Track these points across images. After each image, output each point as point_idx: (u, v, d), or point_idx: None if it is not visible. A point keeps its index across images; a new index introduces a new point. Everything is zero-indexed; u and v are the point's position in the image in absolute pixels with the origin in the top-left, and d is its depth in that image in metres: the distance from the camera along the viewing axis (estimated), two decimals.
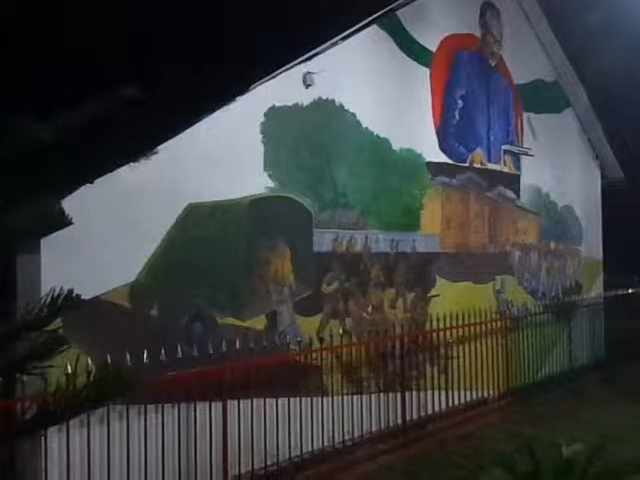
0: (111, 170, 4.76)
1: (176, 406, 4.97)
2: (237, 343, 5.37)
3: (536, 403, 8.14)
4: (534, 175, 9.52)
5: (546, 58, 9.94)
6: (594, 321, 10.56)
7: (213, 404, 5.14)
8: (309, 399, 5.99)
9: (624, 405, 7.98)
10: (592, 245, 10.96)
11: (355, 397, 6.55)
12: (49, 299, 2.38)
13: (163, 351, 4.88)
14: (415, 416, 7.08)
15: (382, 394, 6.89)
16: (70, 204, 3.77)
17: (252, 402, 5.43)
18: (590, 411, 7.78)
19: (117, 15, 5.95)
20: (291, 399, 5.77)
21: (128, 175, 4.90)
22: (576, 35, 10.40)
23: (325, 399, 6.16)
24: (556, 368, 9.48)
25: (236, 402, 5.31)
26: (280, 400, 5.65)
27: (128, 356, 4.61)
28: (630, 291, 11.02)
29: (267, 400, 5.54)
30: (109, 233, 4.81)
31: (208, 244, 5.45)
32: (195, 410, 5.06)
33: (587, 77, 10.38)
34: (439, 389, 7.38)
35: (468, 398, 7.76)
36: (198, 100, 5.41)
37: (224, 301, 5.56)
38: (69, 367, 3.27)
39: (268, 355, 5.52)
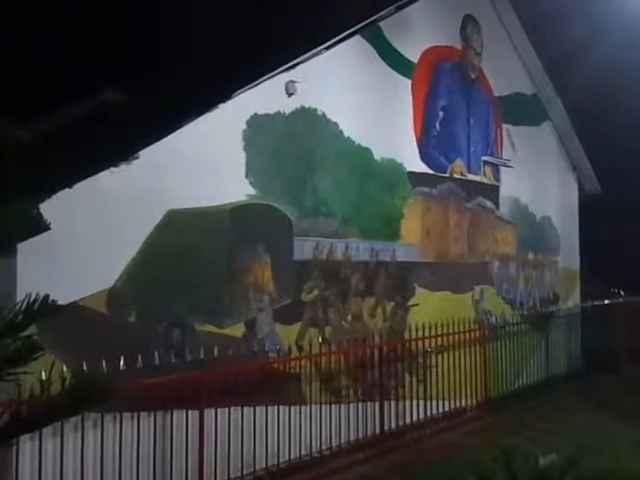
0: (91, 175, 4.72)
1: (152, 414, 4.91)
2: (215, 351, 5.33)
3: (513, 413, 8.19)
4: (513, 186, 9.64)
5: (525, 71, 10.10)
6: (571, 331, 10.69)
7: (190, 412, 5.10)
8: (287, 408, 5.97)
9: (600, 416, 8.07)
10: (569, 256, 11.11)
11: (334, 406, 6.54)
12: (25, 305, 2.34)
13: (140, 358, 4.83)
14: (394, 425, 7.09)
15: (361, 403, 6.88)
16: (48, 208, 3.73)
17: (230, 410, 5.39)
18: (566, 421, 7.85)
19: (100, 19, 5.92)
20: (269, 407, 5.74)
21: (108, 180, 4.86)
22: (554, 49, 10.58)
23: (303, 408, 6.13)
24: (533, 378, 9.57)
25: (213, 410, 5.27)
26: (258, 408, 5.62)
27: (104, 363, 4.55)
28: (606, 302, 11.18)
29: (245, 408, 5.50)
30: (87, 238, 4.76)
31: (188, 250, 5.41)
32: (172, 418, 5.00)
33: (565, 91, 10.55)
34: (418, 398, 7.40)
35: (446, 407, 7.78)
36: (180, 106, 5.39)
37: (203, 308, 5.53)
38: (44, 373, 3.22)
39: (246, 363, 5.49)
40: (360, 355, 6.84)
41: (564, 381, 9.91)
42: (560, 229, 10.83)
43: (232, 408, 5.41)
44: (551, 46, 10.44)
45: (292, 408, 6.01)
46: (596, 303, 11.09)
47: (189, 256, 5.42)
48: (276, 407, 5.79)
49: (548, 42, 10.36)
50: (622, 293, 11.49)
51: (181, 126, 5.35)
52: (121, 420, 4.71)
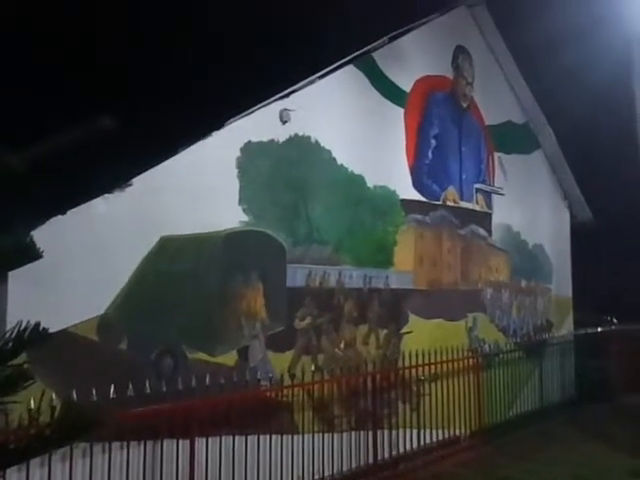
0: (84, 201, 4.72)
1: (142, 443, 4.84)
2: (207, 379, 5.28)
3: (508, 442, 8.13)
4: (505, 214, 9.71)
5: (516, 101, 10.25)
6: (564, 359, 10.66)
7: (181, 441, 5.02)
8: (279, 437, 5.89)
9: (594, 445, 8.02)
10: (562, 283, 11.14)
11: (326, 435, 6.46)
12: (15, 332, 2.32)
13: (131, 386, 4.77)
14: (387, 455, 7.00)
15: (354, 432, 6.81)
16: (40, 234, 3.72)
17: (221, 439, 5.31)
18: (560, 451, 7.80)
19: (94, 45, 5.99)
20: (261, 437, 5.66)
21: (100, 206, 4.87)
22: (545, 79, 10.76)
23: (296, 437, 6.05)
24: (527, 406, 9.51)
25: (205, 439, 5.19)
26: (250, 438, 5.54)
27: (94, 391, 4.49)
28: (599, 329, 11.18)
29: (236, 437, 5.42)
30: (79, 264, 4.74)
31: (180, 277, 5.40)
32: (162, 448, 4.93)
33: (556, 120, 10.70)
34: (411, 427, 7.32)
35: (440, 436, 7.71)
36: (174, 133, 5.43)
37: (195, 336, 5.48)
38: (33, 403, 3.18)
39: (238, 392, 5.43)
40: (353, 383, 6.79)
41: (558, 410, 9.86)
42: (552, 256, 10.88)
43: (224, 437, 5.34)
44: (541, 76, 10.63)
45: (284, 437, 5.93)
46: (589, 331, 11.09)
47: (182, 283, 5.40)
48: (268, 436, 5.72)
49: (538, 72, 10.56)
50: (615, 321, 11.50)
51: (175, 153, 5.39)
52: (110, 449, 4.63)
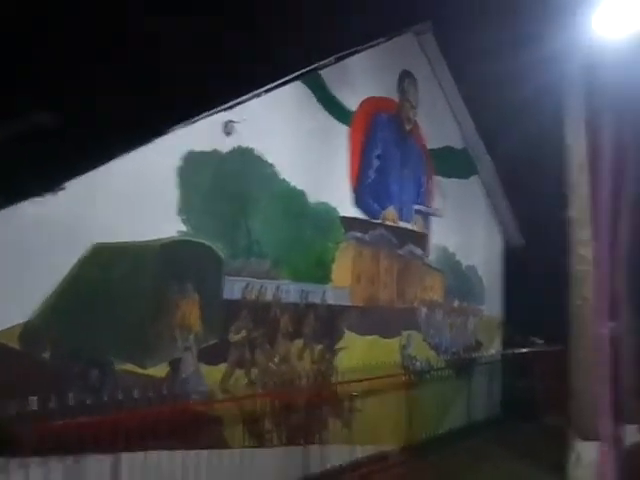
0: (12, 204, 4.54)
1: (63, 459, 4.65)
2: (135, 391, 5.14)
3: (436, 458, 8.28)
4: (442, 235, 9.96)
5: (457, 127, 10.58)
6: (491, 378, 10.98)
7: (105, 457, 4.86)
8: (209, 451, 5.80)
9: (517, 463, 8.27)
10: (492, 304, 11.50)
11: (257, 450, 6.40)
12: None
13: (53, 398, 4.59)
14: (317, 470, 7.00)
15: (285, 447, 6.78)
16: None
17: (148, 454, 5.17)
18: (487, 468, 8.00)
19: (30, 40, 5.80)
20: (190, 451, 5.55)
21: (29, 210, 4.69)
22: (485, 108, 11.13)
23: (226, 451, 5.97)
24: (455, 423, 9.73)
25: (131, 454, 5.04)
26: (179, 452, 5.42)
27: (13, 403, 4.29)
28: (525, 350, 11.60)
29: (164, 452, 5.30)
30: (2, 269, 4.54)
31: (112, 286, 5.25)
32: (85, 463, 4.75)
33: (494, 148, 11.09)
34: (342, 442, 7.36)
35: (370, 452, 7.77)
36: (113, 137, 5.31)
37: (125, 347, 5.34)
38: None
39: (167, 405, 5.31)
40: (286, 398, 6.76)
41: (485, 428, 10.13)
42: (484, 278, 11.22)
43: (151, 452, 5.20)
44: (482, 105, 10.99)
45: (214, 452, 5.84)
46: (516, 351, 11.48)
47: (114, 292, 5.26)
48: (198, 451, 5.61)
49: (480, 101, 10.91)
50: (540, 342, 11.95)
51: (113, 158, 5.26)
52: (29, 466, 4.42)
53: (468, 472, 7.81)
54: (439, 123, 10.13)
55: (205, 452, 5.75)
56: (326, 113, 7.70)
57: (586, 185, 7.69)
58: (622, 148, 8.21)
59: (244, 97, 6.41)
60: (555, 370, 11.20)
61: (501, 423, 10.52)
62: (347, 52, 7.85)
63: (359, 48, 8.12)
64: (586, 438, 7.26)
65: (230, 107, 6.28)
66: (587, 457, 7.21)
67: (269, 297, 6.81)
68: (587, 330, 7.55)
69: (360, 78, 8.30)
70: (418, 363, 8.99)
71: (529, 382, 11.18)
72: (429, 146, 9.81)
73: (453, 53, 10.17)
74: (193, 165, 5.99)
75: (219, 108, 6.15)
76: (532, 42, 7.85)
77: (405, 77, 9.34)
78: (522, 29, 8.27)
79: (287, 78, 6.96)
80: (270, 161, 6.85)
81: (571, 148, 7.80)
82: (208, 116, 6.07)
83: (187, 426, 5.45)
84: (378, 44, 8.54)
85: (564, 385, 7.75)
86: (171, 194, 5.83)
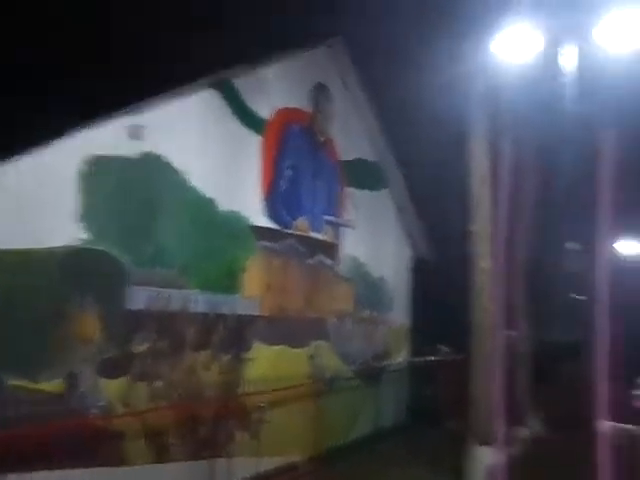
0: None
1: None
2: (27, 408, 4.85)
3: (344, 466, 8.37)
4: (353, 246, 10.12)
5: (369, 140, 10.81)
6: (399, 386, 11.26)
7: None
8: (108, 469, 5.56)
9: (421, 468, 8.52)
10: (401, 314, 11.80)
11: (160, 465, 6.21)
12: None
13: None
14: None
15: (190, 461, 6.63)
16: None
17: (39, 475, 4.89)
18: (391, 474, 8.17)
19: None
20: (86, 470, 5.30)
21: None
22: (397, 123, 11.44)
23: (126, 469, 5.75)
24: (363, 431, 9.89)
25: (19, 476, 4.75)
26: (74, 471, 5.17)
27: None
28: (431, 358, 12.00)
29: (57, 472, 5.03)
30: None
31: (5, 296, 4.95)
32: None
33: (406, 162, 11.42)
34: (250, 455, 7.29)
35: (279, 463, 7.74)
36: (9, 137, 5.02)
37: (17, 361, 5.03)
38: None
39: (61, 421, 5.05)
40: (191, 411, 6.62)
41: (391, 434, 10.37)
42: (393, 289, 11.50)
43: (43, 472, 4.92)
44: (393, 119, 11.29)
45: (113, 470, 5.61)
46: (423, 359, 11.85)
47: (6, 302, 4.95)
48: (95, 469, 5.37)
49: (391, 115, 11.20)
50: (446, 350, 12.40)
51: (8, 159, 4.97)
52: None
53: (374, 478, 7.95)
54: (352, 135, 10.32)
55: (104, 470, 5.51)
56: (239, 122, 7.65)
57: (487, 201, 8.09)
58: (521, 167, 8.73)
59: (151, 101, 6.25)
60: (458, 377, 11.63)
61: (408, 429, 10.80)
62: (260, 62, 7.85)
63: (274, 58, 8.15)
64: (483, 442, 7.60)
65: (137, 111, 6.10)
66: (483, 460, 7.54)
67: (176, 307, 6.65)
68: (487, 339, 7.92)
69: (274, 88, 8.32)
70: (327, 373, 9.06)
71: (435, 389, 11.56)
72: (342, 158, 9.97)
73: (367, 68, 10.42)
74: (97, 169, 5.77)
75: (123, 111, 5.96)
76: (441, 62, 8.19)
77: (319, 89, 9.45)
78: (433, 49, 8.59)
79: (197, 84, 6.87)
80: (180, 168, 6.72)
81: (473, 165, 8.20)
82: (113, 119, 5.87)
83: (83, 443, 5.21)
84: (292, 56, 8.61)
85: (466, 392, 8.09)
86: (72, 199, 5.58)
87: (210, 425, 6.81)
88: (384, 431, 10.37)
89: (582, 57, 6.63)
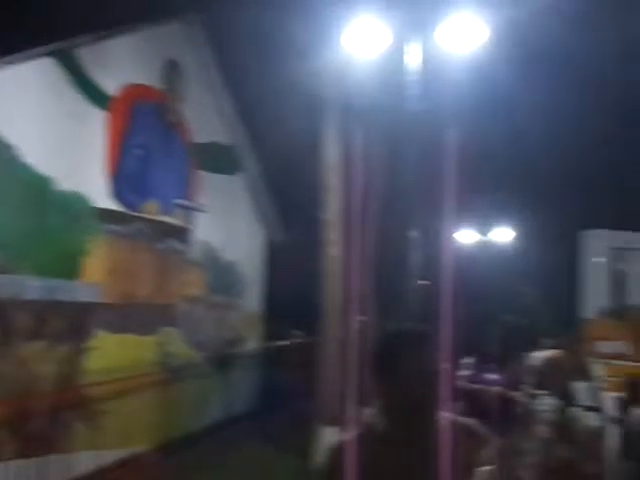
0: None
1: None
2: None
3: (193, 454, 8.22)
4: (204, 230, 9.91)
5: (224, 123, 10.62)
6: (252, 372, 11.30)
7: None
8: None
9: (270, 452, 8.61)
10: (254, 299, 11.82)
11: None
12: None
13: None
14: None
15: (23, 460, 6.15)
16: None
17: None
18: (242, 461, 8.14)
19: None
20: None
21: None
22: (254, 107, 11.36)
23: None
24: (214, 418, 9.80)
25: None
26: None
27: None
28: (284, 343, 12.17)
29: None
30: None
31: None
32: None
33: (261, 146, 11.39)
34: (90, 448, 6.92)
35: (122, 456, 7.44)
36: None
37: None
38: None
39: None
40: (21, 406, 6.12)
41: (243, 420, 10.37)
42: (247, 274, 11.47)
43: None
44: (250, 104, 11.20)
45: None
46: (276, 344, 11.99)
47: None
48: None
49: (248, 100, 11.10)
50: (300, 334, 12.65)
51: None
52: None
53: (221, 465, 7.91)
54: (206, 117, 10.07)
55: None
56: (81, 96, 7.14)
57: (338, 189, 8.32)
58: (372, 156, 9.08)
59: None
60: (311, 361, 11.96)
61: (260, 415, 10.87)
62: (106, 33, 7.37)
63: (122, 30, 7.69)
64: (330, 424, 7.86)
65: None
66: (329, 441, 7.80)
67: (4, 294, 6.08)
68: (336, 324, 8.18)
69: (122, 63, 7.87)
70: (176, 360, 8.84)
71: (288, 374, 11.75)
72: (195, 140, 9.70)
73: (225, 51, 10.21)
74: None
75: None
76: (297, 50, 8.24)
77: (172, 67, 9.09)
78: (290, 36, 8.60)
79: (35, 52, 6.30)
80: (10, 143, 6.13)
81: (325, 154, 8.38)
82: None
83: None
84: (143, 29, 8.18)
85: (317, 375, 8.31)
86: None
87: (44, 420, 6.35)
88: (235, 418, 10.35)
89: (426, 55, 6.99)
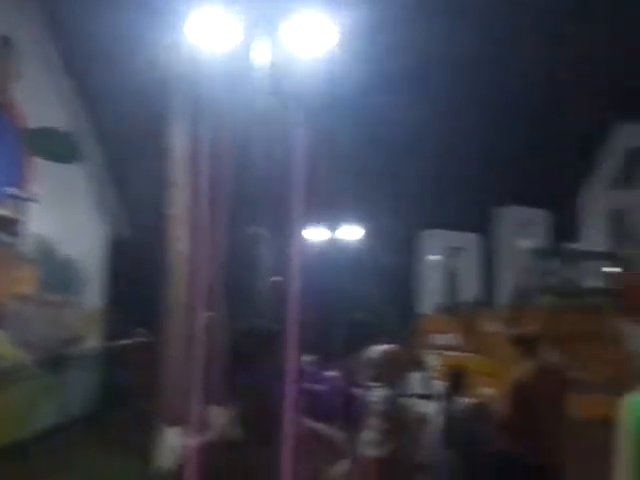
0: None
1: None
2: None
3: (27, 461, 7.69)
4: (39, 223, 9.19)
5: (63, 109, 9.93)
6: (91, 372, 10.74)
7: None
8: None
9: (114, 454, 8.26)
10: (94, 297, 11.22)
11: None
12: None
13: None
14: None
15: None
16: None
17: None
18: (83, 461, 7.77)
19: None
20: None
21: None
22: (97, 95, 10.76)
23: None
24: (47, 422, 9.19)
25: None
26: None
27: None
28: (126, 341, 11.70)
29: None
30: None
31: None
32: None
33: (104, 137, 10.81)
34: None
35: None
36: None
37: None
38: None
39: None
40: None
41: (81, 422, 9.86)
42: (87, 270, 10.85)
43: None
44: (93, 91, 10.59)
45: None
46: (118, 343, 11.48)
47: None
48: None
49: (90, 87, 10.48)
50: (144, 332, 12.22)
51: None
52: None
53: (56, 470, 7.46)
54: (43, 101, 9.35)
55: None
56: None
57: (185, 184, 8.13)
58: (220, 152, 8.99)
59: None
60: (154, 360, 11.62)
61: (100, 416, 10.39)
62: None
63: None
64: (173, 424, 7.68)
65: None
66: (172, 443, 7.64)
67: None
68: (180, 321, 8.01)
69: None
70: (2, 362, 8.13)
71: (130, 373, 11.31)
72: (27, 125, 8.96)
73: (65, 28, 9.54)
74: None
75: None
76: (143, 37, 7.92)
77: (3, 43, 8.33)
78: (136, 22, 8.25)
79: None
80: None
81: (171, 148, 8.16)
82: None
83: None
84: None
85: (160, 374, 8.08)
86: None
87: None
88: (73, 420, 9.80)
89: (274, 52, 7.05)
